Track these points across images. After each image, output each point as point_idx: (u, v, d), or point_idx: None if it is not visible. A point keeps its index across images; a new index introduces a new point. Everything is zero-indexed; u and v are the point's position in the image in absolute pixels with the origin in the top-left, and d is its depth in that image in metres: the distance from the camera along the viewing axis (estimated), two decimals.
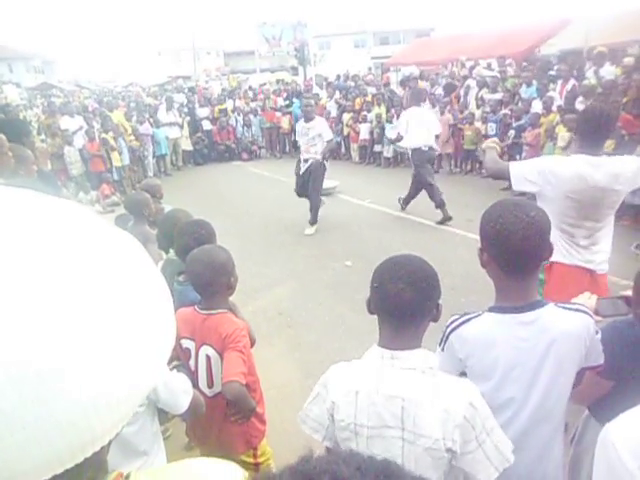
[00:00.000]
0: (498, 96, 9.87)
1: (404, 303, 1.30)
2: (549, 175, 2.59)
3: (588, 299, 1.74)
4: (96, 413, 0.46)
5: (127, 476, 0.57)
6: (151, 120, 11.98)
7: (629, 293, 1.65)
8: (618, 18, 10.96)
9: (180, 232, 2.52)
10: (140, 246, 0.58)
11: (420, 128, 7.04)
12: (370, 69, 17.76)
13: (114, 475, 0.56)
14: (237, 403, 2.01)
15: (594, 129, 2.63)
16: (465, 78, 11.41)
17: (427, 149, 7.16)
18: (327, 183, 7.81)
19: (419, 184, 7.35)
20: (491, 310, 1.52)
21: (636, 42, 9.51)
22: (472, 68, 11.98)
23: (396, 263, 1.36)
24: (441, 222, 7.11)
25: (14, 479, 0.43)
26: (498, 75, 10.76)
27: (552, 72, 9.83)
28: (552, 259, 2.35)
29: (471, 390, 1.30)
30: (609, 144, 3.48)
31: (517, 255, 1.43)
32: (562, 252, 2.68)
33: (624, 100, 7.19)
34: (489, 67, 11.98)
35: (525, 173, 2.66)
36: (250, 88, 15.33)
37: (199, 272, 2.07)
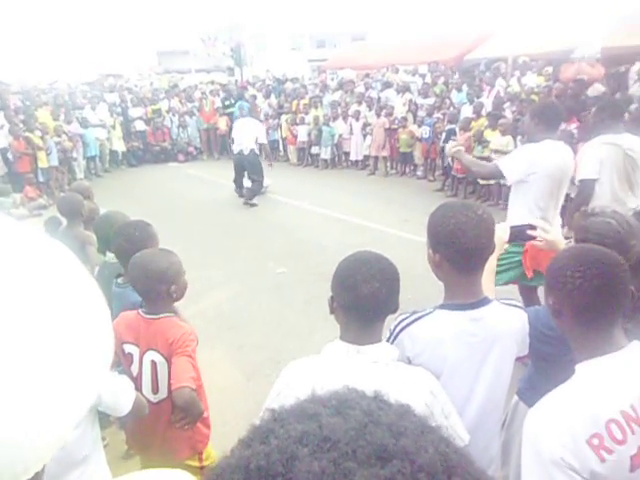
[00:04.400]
0: (430, 101, 10.25)
1: (379, 301, 1.36)
2: (535, 164, 3.14)
3: (504, 231, 1.97)
4: (26, 445, 0.43)
5: None
6: (79, 119, 11.49)
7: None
8: (540, 30, 11.68)
9: (115, 234, 2.46)
10: (69, 253, 0.53)
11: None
12: (315, 72, 17.91)
13: None
14: (187, 409, 1.97)
15: (557, 117, 3.31)
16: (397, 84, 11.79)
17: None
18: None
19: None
20: (442, 307, 1.56)
21: (554, 53, 10.17)
22: (396, 72, 12.48)
23: (364, 262, 1.39)
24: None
25: None
26: (426, 81, 11.23)
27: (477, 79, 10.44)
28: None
29: (430, 379, 1.40)
30: None
31: (471, 252, 1.47)
32: None
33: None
34: (412, 73, 12.52)
35: (516, 167, 3.20)
36: (183, 90, 14.96)
37: (136, 278, 2.04)
